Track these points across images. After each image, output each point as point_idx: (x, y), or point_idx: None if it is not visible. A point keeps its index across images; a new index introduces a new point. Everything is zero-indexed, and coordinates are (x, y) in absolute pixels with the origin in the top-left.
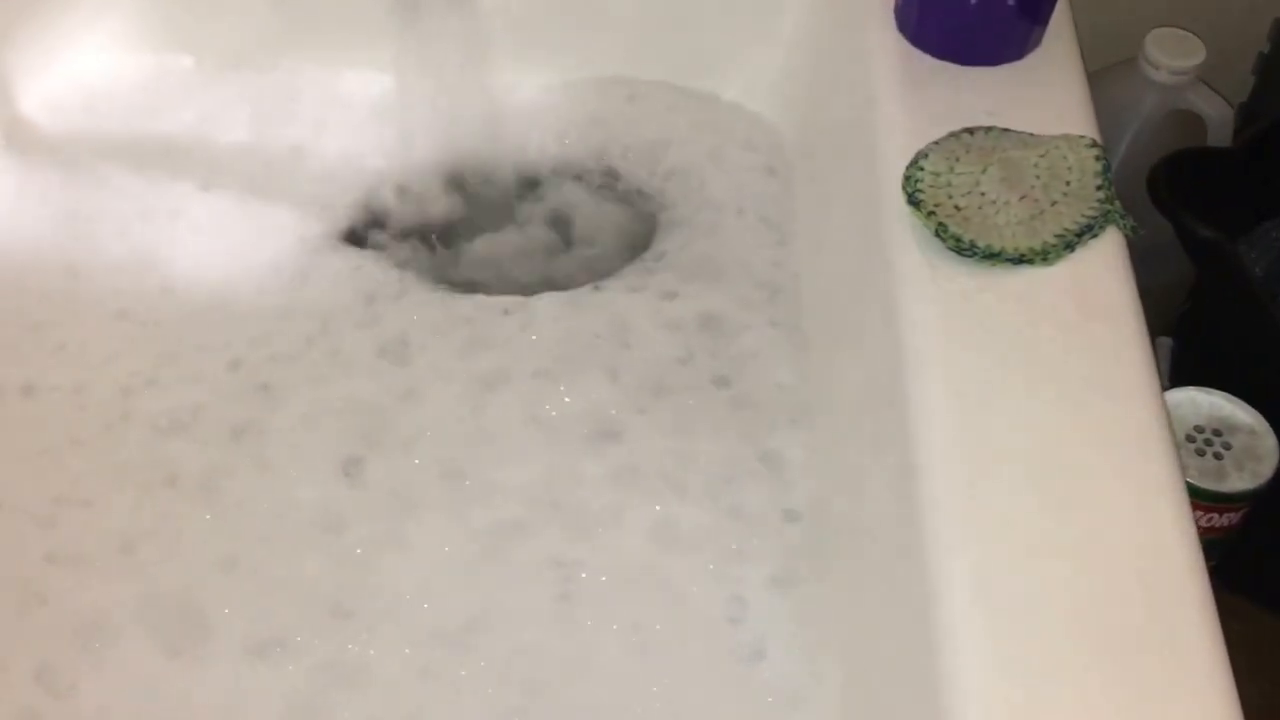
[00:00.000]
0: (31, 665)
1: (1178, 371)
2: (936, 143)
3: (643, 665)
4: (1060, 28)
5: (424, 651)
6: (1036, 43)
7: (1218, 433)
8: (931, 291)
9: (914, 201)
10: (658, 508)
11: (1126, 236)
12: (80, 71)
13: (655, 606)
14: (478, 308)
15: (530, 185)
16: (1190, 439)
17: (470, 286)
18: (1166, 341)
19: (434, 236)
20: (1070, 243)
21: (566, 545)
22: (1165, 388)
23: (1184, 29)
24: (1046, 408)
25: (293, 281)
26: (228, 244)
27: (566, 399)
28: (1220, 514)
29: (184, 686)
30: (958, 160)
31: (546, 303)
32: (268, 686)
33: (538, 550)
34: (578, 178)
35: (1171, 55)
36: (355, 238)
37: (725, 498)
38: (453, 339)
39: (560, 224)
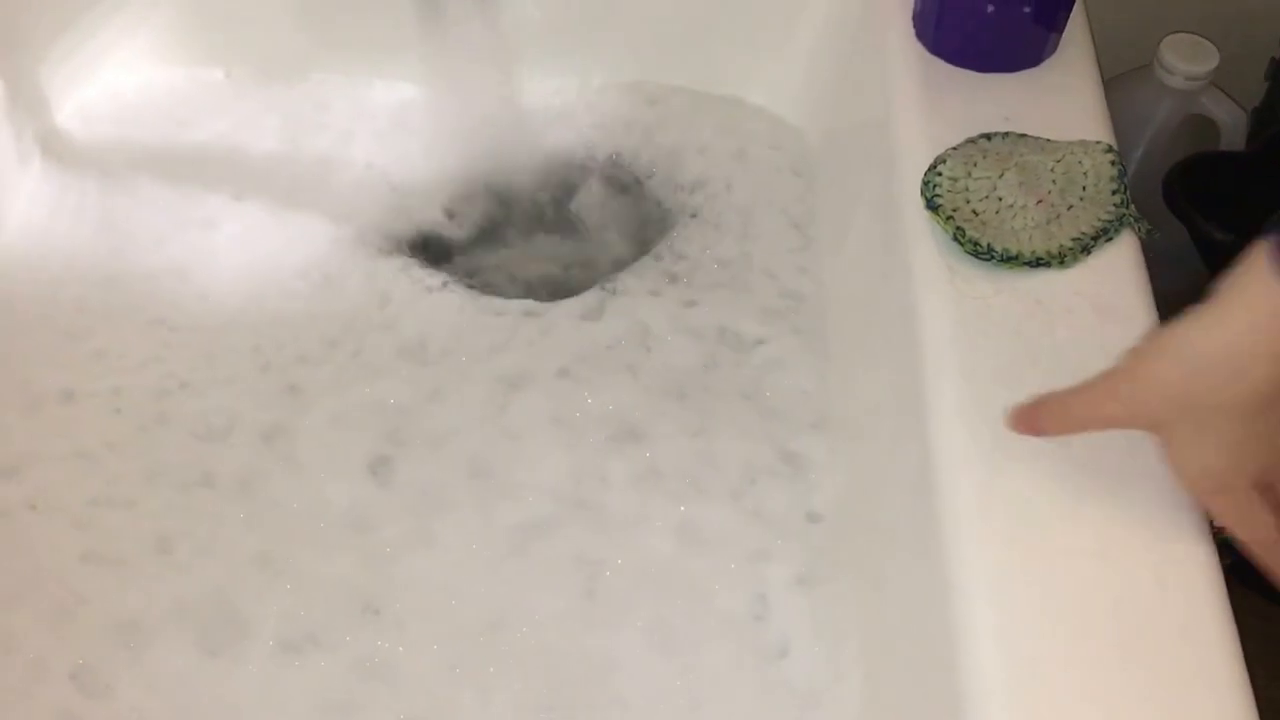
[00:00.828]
0: (68, 666)
1: None
2: (954, 148)
3: (667, 662)
4: (1076, 35)
5: (452, 648)
6: (1053, 50)
7: None
8: (950, 294)
9: (932, 206)
10: (682, 508)
11: (1141, 240)
12: (115, 84)
13: (680, 604)
14: (500, 311)
15: (554, 190)
16: None
17: (493, 290)
18: None
19: (456, 241)
20: (1086, 246)
21: (592, 544)
22: None
23: (1198, 35)
24: None
25: (321, 287)
26: (259, 251)
27: (589, 401)
28: None
29: (220, 684)
30: (975, 165)
31: (568, 306)
32: (301, 682)
33: (563, 549)
34: (602, 181)
35: (1186, 61)
36: (381, 244)
37: (748, 499)
38: (476, 342)
39: (584, 228)
